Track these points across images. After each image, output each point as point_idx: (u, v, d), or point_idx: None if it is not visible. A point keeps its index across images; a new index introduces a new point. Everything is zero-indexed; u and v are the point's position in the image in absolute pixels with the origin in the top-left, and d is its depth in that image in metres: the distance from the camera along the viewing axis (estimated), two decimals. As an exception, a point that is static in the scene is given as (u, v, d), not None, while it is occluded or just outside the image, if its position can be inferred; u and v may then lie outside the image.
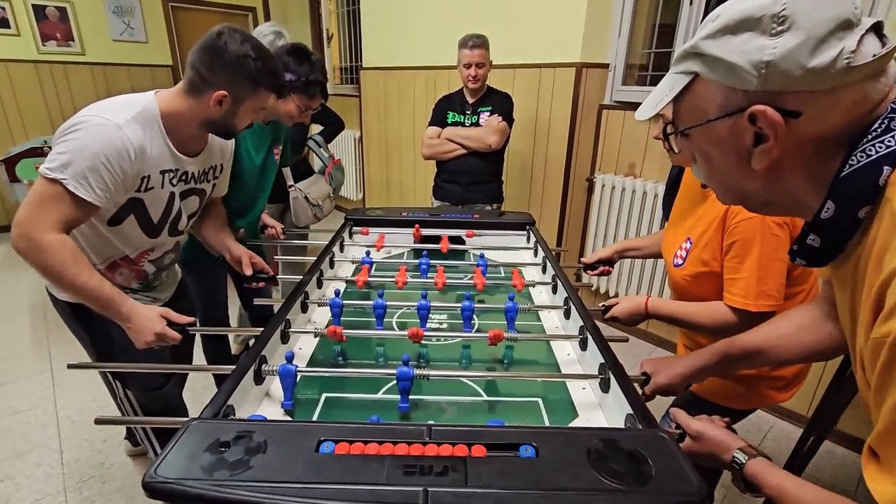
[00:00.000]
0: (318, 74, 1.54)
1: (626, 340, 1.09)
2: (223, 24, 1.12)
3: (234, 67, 1.07)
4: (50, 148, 3.32)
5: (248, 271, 1.38)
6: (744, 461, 0.66)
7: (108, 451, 1.87)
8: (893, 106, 0.47)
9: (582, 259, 1.56)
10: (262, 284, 1.44)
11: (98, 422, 0.83)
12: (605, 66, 2.54)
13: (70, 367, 1.00)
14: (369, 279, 1.37)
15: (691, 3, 2.15)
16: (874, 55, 0.45)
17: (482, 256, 1.49)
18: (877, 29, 0.47)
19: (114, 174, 1.02)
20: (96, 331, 1.23)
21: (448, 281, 1.36)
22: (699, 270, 1.08)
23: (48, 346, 2.55)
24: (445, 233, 1.74)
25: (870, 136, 0.47)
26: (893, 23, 1.70)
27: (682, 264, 1.13)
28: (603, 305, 1.23)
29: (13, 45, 4.08)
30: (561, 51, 2.49)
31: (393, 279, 1.36)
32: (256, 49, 1.10)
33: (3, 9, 3.99)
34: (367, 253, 1.53)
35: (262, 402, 0.93)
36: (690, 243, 1.11)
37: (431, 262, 1.48)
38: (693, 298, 1.13)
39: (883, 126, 0.47)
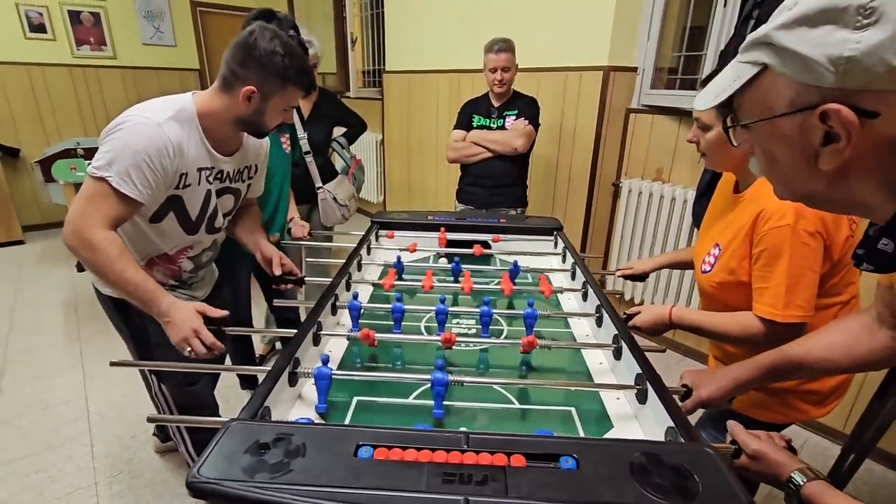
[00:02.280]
0: (286, 28, 1.55)
1: (664, 351, 1.07)
2: (257, 23, 1.14)
3: (262, 63, 1.10)
4: (84, 150, 3.44)
5: (278, 271, 1.39)
6: (801, 483, 0.63)
7: (136, 447, 1.91)
8: None
9: (620, 270, 1.54)
10: (289, 286, 1.46)
11: (150, 420, 0.88)
12: (634, 69, 2.51)
13: (113, 364, 1.03)
14: (395, 282, 1.37)
15: (725, 4, 2.10)
16: None
17: (515, 263, 1.47)
18: None
19: (155, 171, 1.06)
20: (136, 326, 1.27)
21: (476, 286, 1.35)
22: (726, 279, 1.05)
23: (80, 343, 2.62)
24: (472, 237, 1.74)
25: None
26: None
27: (709, 271, 1.11)
28: (625, 314, 1.21)
29: (49, 50, 4.23)
30: (588, 54, 2.47)
31: (420, 283, 1.36)
32: (285, 46, 1.12)
33: (41, 14, 4.14)
34: (398, 258, 1.53)
35: (295, 404, 0.93)
36: (719, 249, 1.09)
37: (462, 266, 1.47)
38: (720, 306, 1.10)
39: None
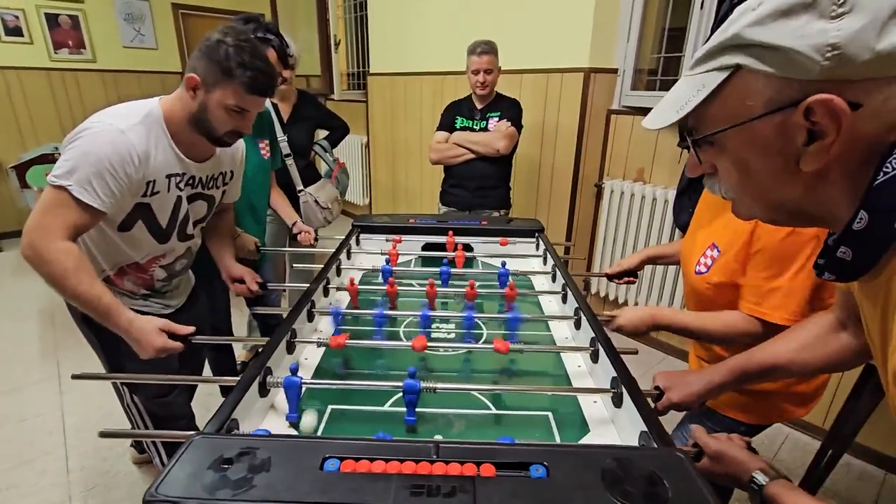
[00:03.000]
0: (263, 30, 1.52)
1: (636, 353, 1.06)
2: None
3: (207, 52, 1.06)
4: (60, 154, 3.37)
5: (254, 287, 1.37)
6: (763, 483, 0.63)
7: (113, 459, 1.86)
8: None
9: (606, 271, 1.52)
10: (262, 292, 1.44)
11: (102, 435, 0.82)
12: (614, 70, 2.52)
13: (74, 377, 0.99)
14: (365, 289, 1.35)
15: (702, 7, 2.12)
16: None
17: (503, 265, 1.46)
18: None
19: (118, 179, 1.02)
20: (105, 336, 1.23)
21: (440, 289, 1.33)
22: (724, 280, 1.04)
23: (56, 354, 2.55)
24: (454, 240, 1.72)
25: None
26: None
27: (705, 272, 1.09)
28: (605, 315, 1.19)
29: (26, 53, 4.13)
30: (569, 56, 2.48)
31: (421, 289, 1.33)
32: (237, 38, 1.07)
33: (17, 17, 4.05)
34: (387, 261, 1.51)
35: (267, 415, 0.91)
36: (717, 251, 1.07)
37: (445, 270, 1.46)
38: (712, 307, 1.09)
39: None
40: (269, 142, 1.80)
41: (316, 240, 1.87)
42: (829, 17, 0.42)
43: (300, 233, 1.83)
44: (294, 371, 0.89)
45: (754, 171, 0.51)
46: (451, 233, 1.71)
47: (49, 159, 3.40)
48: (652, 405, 0.88)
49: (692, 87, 0.52)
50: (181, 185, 1.18)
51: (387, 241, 1.76)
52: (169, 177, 1.14)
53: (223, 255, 1.42)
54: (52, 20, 4.20)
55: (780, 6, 0.44)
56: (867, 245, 0.48)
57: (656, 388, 0.89)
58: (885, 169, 0.44)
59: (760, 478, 0.64)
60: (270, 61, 1.13)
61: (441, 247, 1.71)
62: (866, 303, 0.55)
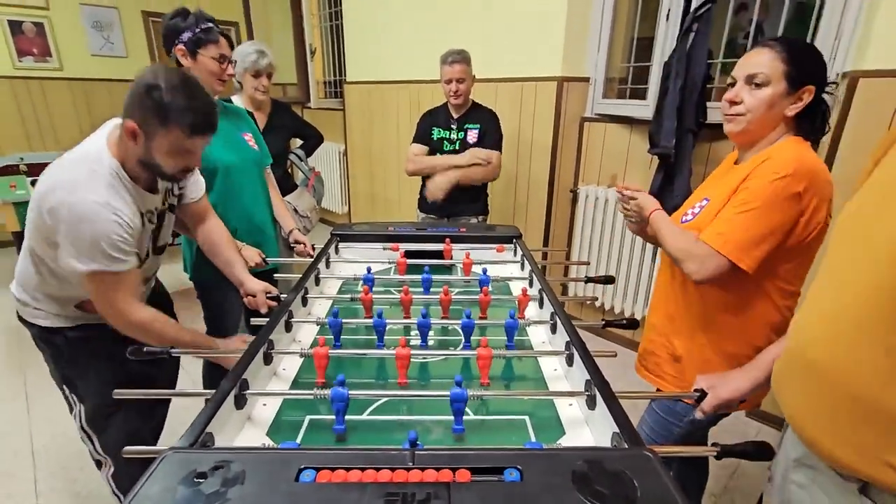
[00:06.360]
0: (204, 21, 1.48)
1: (615, 355, 1.09)
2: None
3: (140, 99, 1.02)
4: (27, 166, 3.25)
5: (264, 309, 1.36)
6: None
7: (84, 480, 1.80)
8: None
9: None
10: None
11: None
12: (586, 79, 2.58)
13: (116, 395, 0.94)
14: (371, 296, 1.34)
15: (667, 18, 2.19)
16: None
17: (484, 272, 1.48)
18: None
19: (125, 240, 1.08)
20: (63, 355, 1.23)
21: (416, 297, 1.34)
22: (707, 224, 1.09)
23: (23, 371, 2.46)
24: (433, 247, 1.73)
25: None
26: (857, 44, 1.75)
27: (690, 219, 1.14)
28: (620, 189, 1.24)
29: (-12, 61, 4.01)
30: (542, 65, 2.53)
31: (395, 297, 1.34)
32: (170, 82, 1.01)
33: (-22, 24, 3.93)
34: (368, 269, 1.50)
35: (244, 427, 0.91)
36: (707, 201, 1.13)
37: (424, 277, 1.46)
38: None
39: None
40: (252, 133, 1.74)
41: (313, 247, 1.84)
42: None
43: (296, 243, 1.79)
44: (342, 383, 0.87)
45: None
46: (448, 240, 1.72)
47: (14, 170, 3.28)
48: (696, 406, 0.93)
49: None
50: (153, 219, 1.22)
51: (384, 249, 1.77)
52: (142, 215, 1.16)
53: (234, 269, 1.41)
54: (15, 27, 4.08)
55: None
56: None
57: (697, 390, 0.92)
58: None
59: None
60: (208, 94, 1.11)
61: (420, 254, 1.72)
62: None
